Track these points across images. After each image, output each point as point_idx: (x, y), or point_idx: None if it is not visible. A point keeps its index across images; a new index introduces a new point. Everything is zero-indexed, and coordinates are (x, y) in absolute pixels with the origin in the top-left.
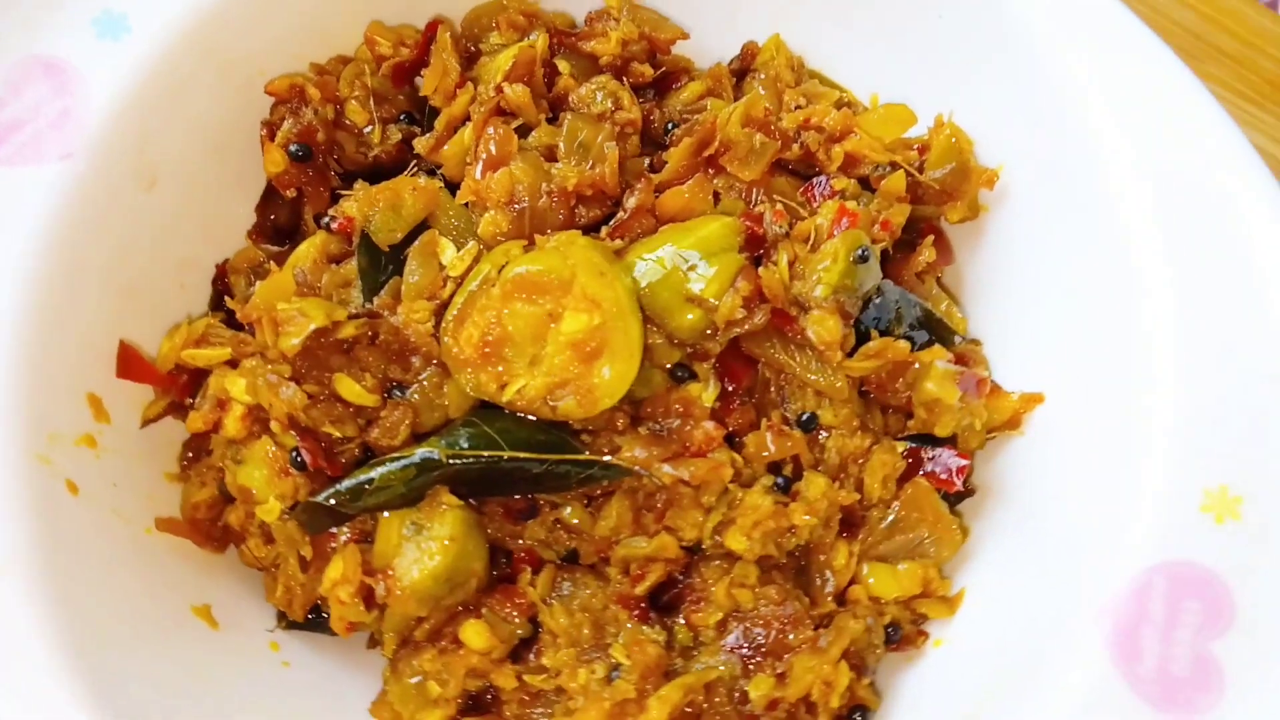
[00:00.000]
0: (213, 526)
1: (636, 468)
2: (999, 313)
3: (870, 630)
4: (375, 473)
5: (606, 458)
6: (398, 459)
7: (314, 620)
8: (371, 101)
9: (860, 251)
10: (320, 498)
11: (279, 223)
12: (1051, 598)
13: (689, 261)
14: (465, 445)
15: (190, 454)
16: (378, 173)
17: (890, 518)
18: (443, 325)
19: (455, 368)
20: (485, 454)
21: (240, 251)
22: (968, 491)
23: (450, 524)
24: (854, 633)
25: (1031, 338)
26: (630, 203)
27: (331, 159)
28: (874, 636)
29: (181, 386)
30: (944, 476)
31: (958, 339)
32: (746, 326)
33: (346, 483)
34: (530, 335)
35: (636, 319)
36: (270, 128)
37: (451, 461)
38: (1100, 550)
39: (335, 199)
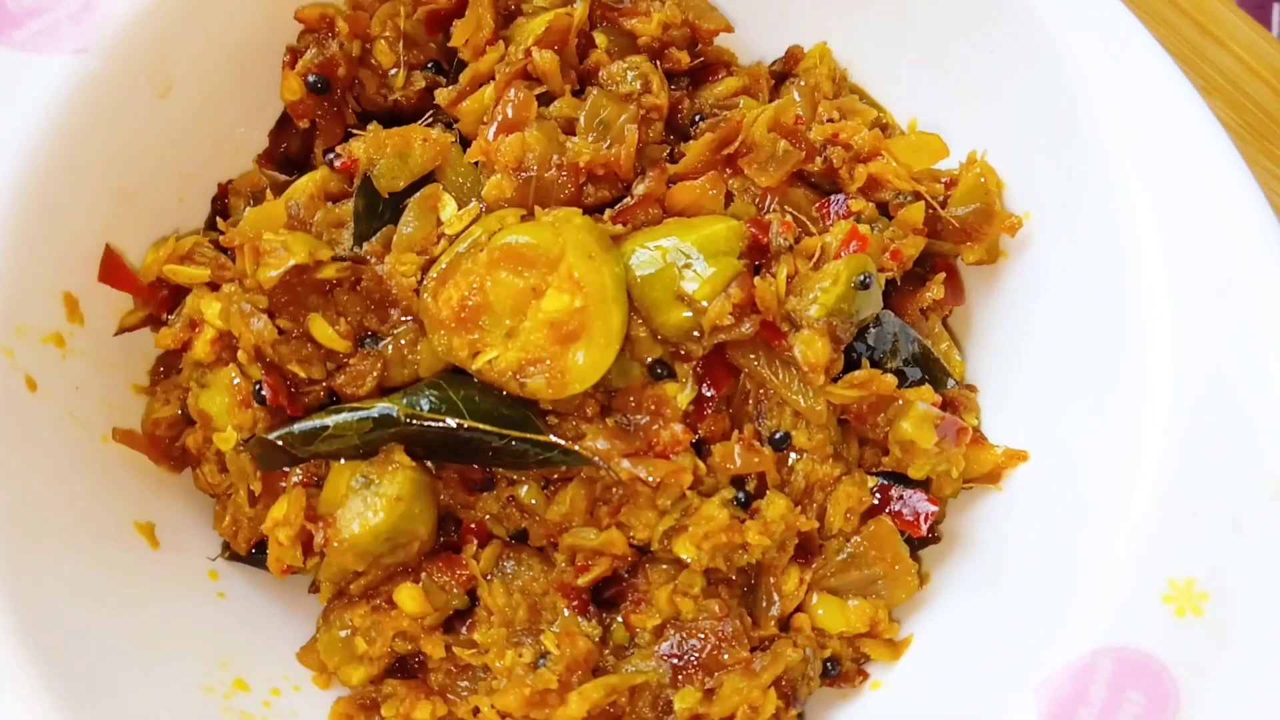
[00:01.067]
0: (171, 445)
1: (596, 458)
2: (1000, 363)
3: (808, 661)
4: (331, 420)
5: (567, 443)
6: (356, 409)
7: (257, 555)
8: (401, 45)
9: (863, 278)
10: (273, 436)
11: (290, 152)
12: (996, 660)
13: (687, 258)
14: (426, 407)
15: (161, 369)
16: (395, 117)
17: (848, 551)
18: (425, 283)
19: (431, 327)
20: (445, 420)
21: (244, 174)
22: (933, 538)
23: (400, 483)
24: (790, 661)
25: (1028, 394)
26: (639, 189)
27: (350, 96)
28: (810, 668)
29: (161, 301)
30: (910, 519)
31: (951, 382)
32: (733, 334)
33: (302, 425)
34: (510, 307)
35: (620, 308)
36: (294, 54)
37: (409, 421)
38: (1051, 622)
39: (348, 137)
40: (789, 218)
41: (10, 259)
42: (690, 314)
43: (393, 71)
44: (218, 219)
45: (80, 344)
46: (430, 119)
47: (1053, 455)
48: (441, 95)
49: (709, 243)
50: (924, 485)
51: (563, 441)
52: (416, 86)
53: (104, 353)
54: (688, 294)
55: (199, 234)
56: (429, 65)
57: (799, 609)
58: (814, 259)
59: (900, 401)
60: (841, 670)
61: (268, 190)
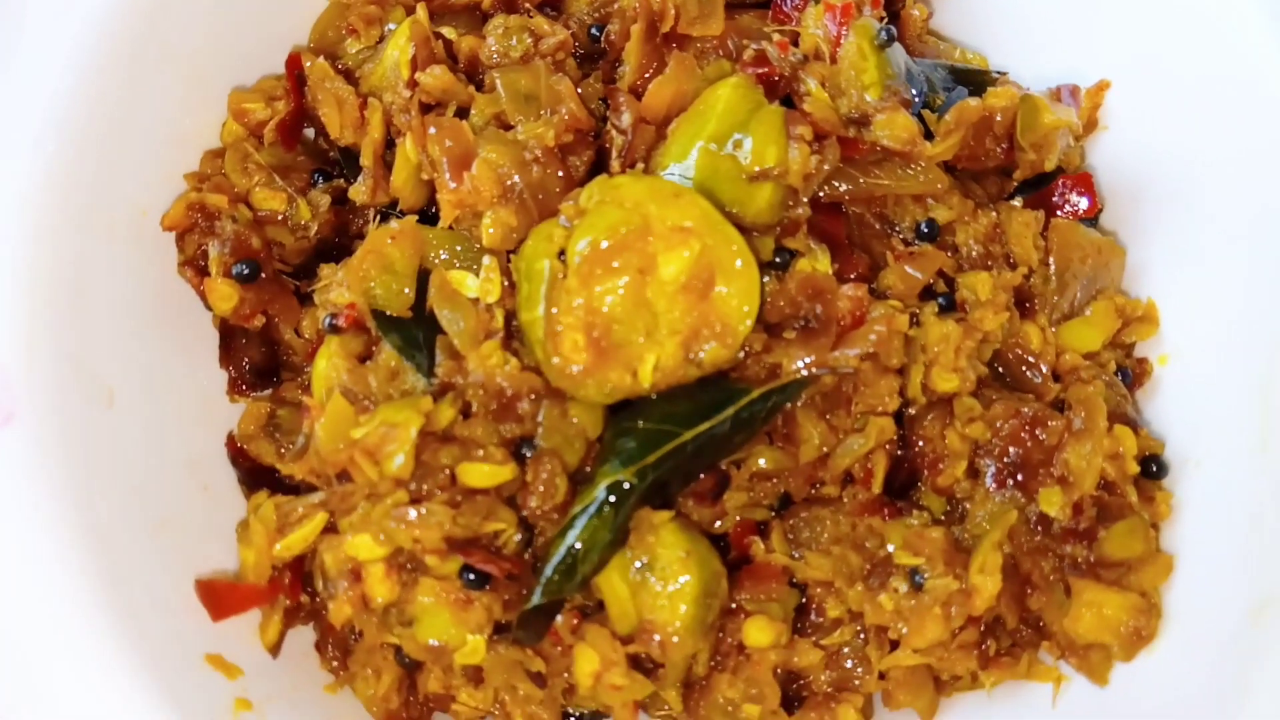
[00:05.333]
0: (411, 706)
1: (816, 370)
2: (1003, 35)
3: (1110, 385)
4: (574, 538)
5: (785, 380)
6: (585, 509)
7: None
8: (277, 178)
9: (881, 35)
10: (535, 603)
11: (255, 362)
12: (1255, 269)
13: (728, 142)
14: (638, 454)
15: (334, 653)
16: (325, 248)
17: (1053, 273)
18: (538, 347)
19: (574, 386)
20: (668, 448)
21: (243, 416)
22: (1101, 206)
23: (672, 540)
24: (1101, 395)
25: (1048, 38)
26: (624, 121)
27: (276, 261)
28: (1116, 389)
29: (291, 587)
30: (1080, 206)
31: (994, 73)
32: (823, 172)
33: (551, 565)
34: (632, 304)
35: (727, 223)
36: (193, 266)
37: (639, 479)
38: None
39: (303, 300)
40: (775, 36)
41: (147, 678)
42: (773, 186)
43: (291, 209)
44: (253, 469)
45: (259, 689)
46: (374, 220)
47: (1130, 69)
48: (356, 192)
49: (731, 114)
50: (1060, 173)
51: (779, 382)
52: (324, 206)
53: (282, 679)
54: (759, 169)
55: (258, 501)
56: (316, 177)
57: (1058, 354)
58: (825, 56)
59: (998, 116)
60: (1132, 373)
61: (279, 411)
